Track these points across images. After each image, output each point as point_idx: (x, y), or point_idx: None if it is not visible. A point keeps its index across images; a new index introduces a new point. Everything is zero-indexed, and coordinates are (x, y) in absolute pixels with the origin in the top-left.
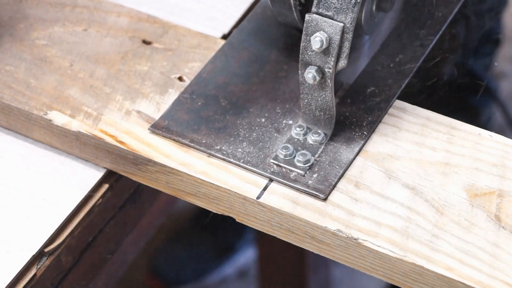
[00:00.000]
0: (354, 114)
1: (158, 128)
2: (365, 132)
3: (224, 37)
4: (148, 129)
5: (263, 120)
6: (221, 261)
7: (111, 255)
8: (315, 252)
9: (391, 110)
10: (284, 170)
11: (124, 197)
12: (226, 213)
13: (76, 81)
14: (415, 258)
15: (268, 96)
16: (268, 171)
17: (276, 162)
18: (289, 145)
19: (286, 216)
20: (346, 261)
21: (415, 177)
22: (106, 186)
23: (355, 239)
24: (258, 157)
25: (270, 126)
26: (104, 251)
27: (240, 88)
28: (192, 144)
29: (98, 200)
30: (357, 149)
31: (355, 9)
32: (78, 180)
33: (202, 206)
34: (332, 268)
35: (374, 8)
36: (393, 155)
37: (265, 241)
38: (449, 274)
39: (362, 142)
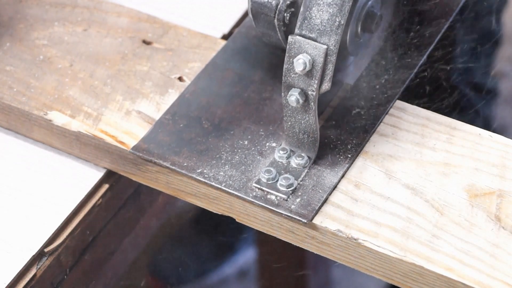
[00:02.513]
0: (339, 136)
1: (139, 150)
2: (349, 155)
3: (224, 37)
4: (129, 151)
5: (246, 142)
6: (221, 261)
7: (111, 255)
8: (315, 252)
9: (391, 111)
10: (266, 194)
11: (124, 197)
12: (226, 213)
13: (76, 81)
14: (415, 258)
15: (252, 118)
16: (250, 195)
17: (259, 186)
18: (272, 169)
19: (286, 216)
20: (346, 261)
21: (415, 177)
22: (106, 186)
23: (355, 239)
24: (241, 181)
25: (253, 148)
26: (104, 251)
27: (223, 110)
28: (173, 167)
29: (98, 200)
30: (341, 172)
31: (339, 31)
32: (78, 180)
33: (202, 206)
34: (332, 268)
35: (359, 29)
36: (393, 155)
37: (265, 241)
38: (449, 274)
39: (347, 165)
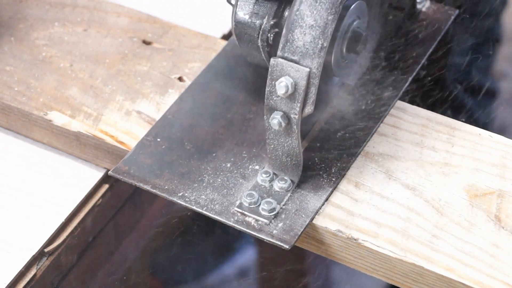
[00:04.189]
0: (323, 159)
1: (119, 173)
2: (333, 179)
3: (224, 37)
4: (109, 174)
5: (228, 165)
6: (221, 261)
7: (111, 255)
8: (315, 252)
9: (391, 111)
10: (248, 218)
11: (124, 198)
12: None
13: (76, 81)
14: (415, 258)
15: (235, 140)
16: (232, 219)
17: (241, 211)
18: (254, 192)
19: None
20: (346, 261)
21: (415, 177)
22: (106, 186)
23: (355, 239)
24: (222, 205)
25: (235, 171)
26: (104, 251)
27: (206, 131)
28: (154, 190)
29: (98, 200)
30: (324, 196)
31: (322, 53)
32: (78, 180)
33: None
34: (332, 268)
35: (344, 50)
36: (393, 155)
37: (265, 241)
38: (449, 275)
39: (330, 189)
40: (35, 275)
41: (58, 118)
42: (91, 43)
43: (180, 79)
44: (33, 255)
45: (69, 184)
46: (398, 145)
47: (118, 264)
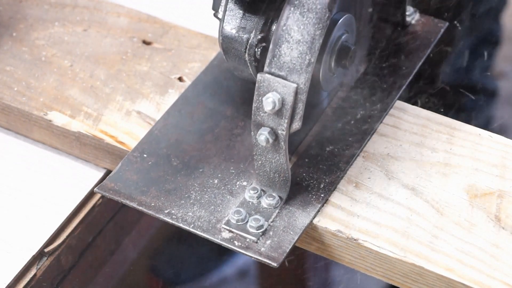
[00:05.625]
0: (312, 175)
1: (105, 190)
2: (322, 195)
3: None
4: (95, 191)
5: (216, 181)
6: (221, 261)
7: (111, 255)
8: (315, 252)
9: (391, 111)
10: (236, 236)
11: None
12: None
13: (76, 81)
14: (415, 258)
15: (222, 155)
16: (219, 237)
17: (228, 228)
18: (241, 209)
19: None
20: (346, 261)
21: (415, 178)
22: None
23: (355, 239)
24: (209, 222)
25: (223, 188)
26: (104, 251)
27: (193, 147)
28: (140, 208)
29: (98, 200)
30: (313, 213)
31: (309, 69)
32: (78, 180)
33: None
34: (332, 268)
35: (333, 64)
36: (393, 155)
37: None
38: (449, 275)
39: (319, 205)
40: (35, 275)
41: (58, 118)
42: (91, 43)
43: (180, 79)
44: (33, 255)
45: (69, 184)
46: (398, 145)
47: (118, 264)
